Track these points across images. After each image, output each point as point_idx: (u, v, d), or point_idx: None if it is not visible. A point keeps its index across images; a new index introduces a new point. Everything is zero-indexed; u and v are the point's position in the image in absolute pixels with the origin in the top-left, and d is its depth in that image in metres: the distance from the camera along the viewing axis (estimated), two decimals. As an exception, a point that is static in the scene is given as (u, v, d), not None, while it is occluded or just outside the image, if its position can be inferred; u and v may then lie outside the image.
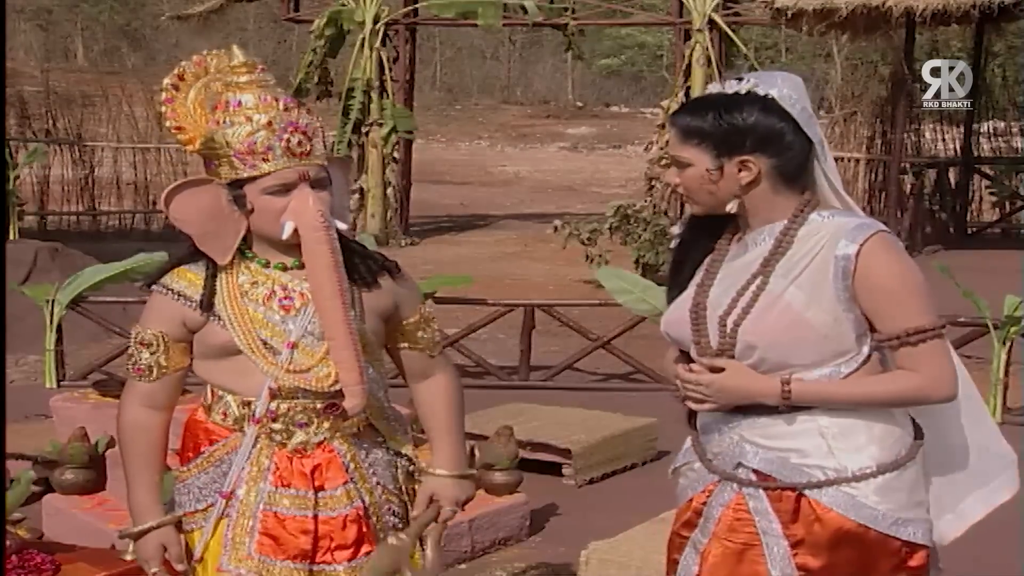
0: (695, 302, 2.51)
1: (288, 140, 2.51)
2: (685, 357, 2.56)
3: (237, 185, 2.55)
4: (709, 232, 2.59)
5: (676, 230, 2.68)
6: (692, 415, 2.62)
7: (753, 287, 2.45)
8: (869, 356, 2.45)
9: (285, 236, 2.54)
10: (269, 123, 2.51)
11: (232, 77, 2.58)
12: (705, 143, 2.45)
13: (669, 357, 2.64)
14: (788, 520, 2.42)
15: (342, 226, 2.59)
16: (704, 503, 2.51)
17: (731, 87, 2.48)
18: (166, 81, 2.61)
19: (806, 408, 2.43)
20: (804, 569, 2.41)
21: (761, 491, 2.44)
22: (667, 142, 2.70)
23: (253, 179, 2.53)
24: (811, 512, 2.41)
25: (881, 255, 2.40)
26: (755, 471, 2.44)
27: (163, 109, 2.61)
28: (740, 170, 2.45)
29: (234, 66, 2.59)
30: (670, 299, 2.62)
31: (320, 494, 2.58)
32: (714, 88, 2.52)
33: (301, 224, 2.52)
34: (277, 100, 2.55)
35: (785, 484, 2.42)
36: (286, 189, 2.52)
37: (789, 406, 2.42)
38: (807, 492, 2.42)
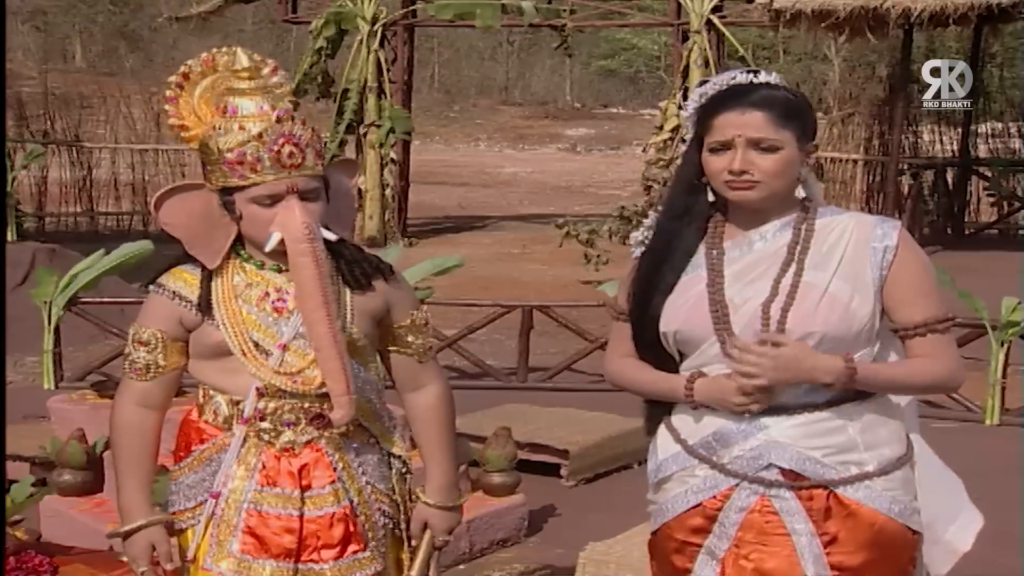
0: (713, 300, 2.47)
1: (279, 152, 2.51)
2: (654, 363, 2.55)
3: (227, 191, 2.56)
4: (684, 235, 2.55)
5: (639, 237, 2.62)
6: (654, 424, 2.61)
7: (789, 277, 2.44)
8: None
9: (268, 248, 2.56)
10: (260, 135, 2.51)
11: (234, 81, 2.58)
12: (793, 125, 2.45)
13: (632, 368, 2.60)
14: (821, 519, 2.41)
15: (331, 236, 2.59)
16: (718, 508, 2.47)
17: (765, 76, 2.48)
18: (171, 79, 2.62)
19: (835, 404, 2.43)
20: (838, 568, 2.41)
21: (789, 491, 2.42)
22: (690, 129, 2.55)
23: (242, 188, 2.54)
24: (843, 509, 2.42)
25: (913, 246, 2.49)
26: (783, 471, 2.42)
27: (167, 107, 2.62)
28: (809, 155, 2.50)
29: (236, 70, 2.59)
30: (650, 305, 2.54)
31: (307, 493, 2.59)
32: (742, 78, 2.48)
33: (286, 236, 2.52)
34: (273, 109, 2.55)
35: (817, 482, 2.42)
36: (274, 200, 2.53)
37: (846, 386, 2.39)
38: (839, 489, 2.42)
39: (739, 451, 2.45)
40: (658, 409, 2.62)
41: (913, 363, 2.48)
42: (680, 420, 2.55)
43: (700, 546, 2.50)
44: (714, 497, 2.48)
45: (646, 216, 2.69)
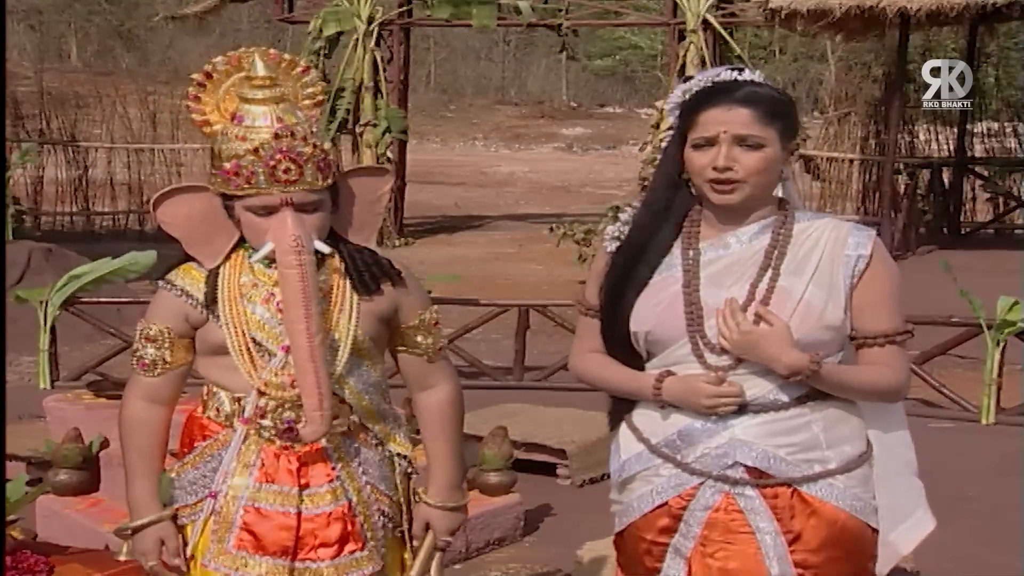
0: (689, 302, 2.47)
1: (274, 168, 2.51)
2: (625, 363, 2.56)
3: (226, 196, 2.57)
4: (662, 231, 2.55)
5: (614, 232, 2.61)
6: (617, 419, 2.61)
7: (765, 282, 2.44)
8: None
9: (258, 257, 2.57)
10: (256, 149, 2.51)
11: (247, 89, 2.57)
12: (777, 124, 2.45)
13: (599, 364, 2.60)
14: (785, 516, 2.43)
15: (324, 248, 2.58)
16: (684, 507, 2.48)
17: (749, 75, 2.48)
18: (194, 76, 2.63)
19: (799, 403, 2.45)
20: (802, 566, 2.42)
21: (753, 490, 2.43)
22: (676, 124, 2.53)
23: (239, 196, 2.55)
24: (806, 507, 2.43)
25: (886, 257, 2.49)
26: (748, 469, 2.43)
27: (188, 104, 2.63)
28: (791, 153, 2.48)
29: (251, 77, 2.58)
30: (622, 301, 2.55)
31: (306, 491, 2.59)
32: (726, 75, 2.47)
33: (276, 247, 2.53)
34: (279, 121, 2.53)
35: (781, 480, 2.43)
36: (268, 211, 2.54)
37: (805, 381, 2.40)
38: (802, 487, 2.43)
39: (704, 449, 2.46)
40: (622, 405, 2.62)
41: (869, 370, 2.49)
42: (642, 418, 2.56)
43: (668, 545, 2.50)
44: (679, 496, 2.49)
45: None
